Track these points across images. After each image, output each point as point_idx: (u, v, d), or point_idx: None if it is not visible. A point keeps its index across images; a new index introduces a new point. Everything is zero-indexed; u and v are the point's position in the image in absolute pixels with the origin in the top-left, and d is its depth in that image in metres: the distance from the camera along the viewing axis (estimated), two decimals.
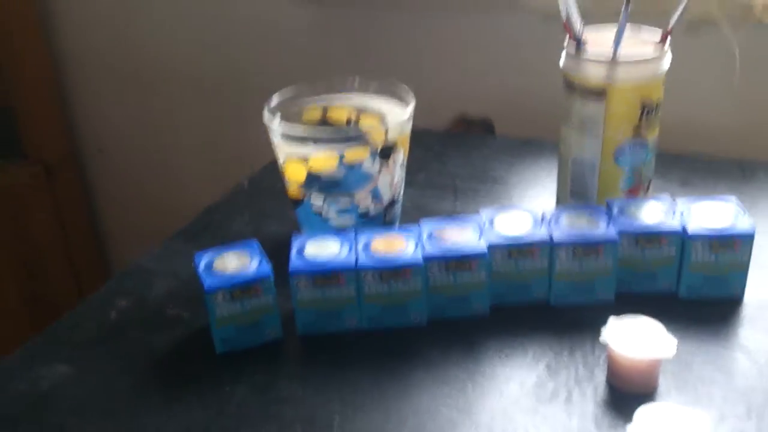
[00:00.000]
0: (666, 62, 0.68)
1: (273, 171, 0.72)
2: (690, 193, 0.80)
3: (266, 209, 0.82)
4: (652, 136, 0.70)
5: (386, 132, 0.67)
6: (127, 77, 1.49)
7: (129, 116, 1.53)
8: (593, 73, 0.68)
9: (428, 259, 0.61)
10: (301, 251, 0.62)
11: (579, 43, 0.69)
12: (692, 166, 0.87)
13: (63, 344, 0.63)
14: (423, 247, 0.62)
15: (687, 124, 1.11)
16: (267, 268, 0.59)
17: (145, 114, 1.52)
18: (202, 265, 0.59)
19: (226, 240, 0.75)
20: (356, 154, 0.67)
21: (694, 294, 0.64)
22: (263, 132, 0.70)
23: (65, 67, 1.53)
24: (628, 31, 0.69)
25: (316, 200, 0.69)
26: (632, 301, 0.63)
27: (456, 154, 0.94)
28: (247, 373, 0.58)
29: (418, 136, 0.98)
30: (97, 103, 1.55)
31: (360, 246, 0.62)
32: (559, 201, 0.76)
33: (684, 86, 1.08)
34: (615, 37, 0.67)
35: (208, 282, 0.57)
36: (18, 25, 1.39)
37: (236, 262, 0.60)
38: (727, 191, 0.80)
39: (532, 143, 0.95)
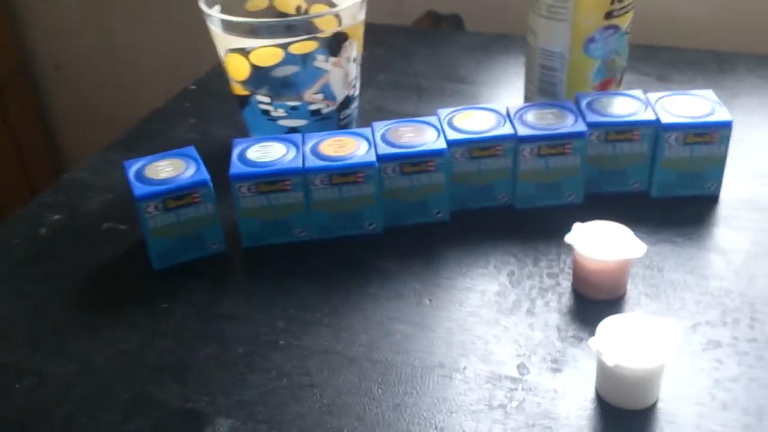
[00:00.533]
0: None
1: (224, 72, 0.66)
2: (666, 88, 0.75)
3: (214, 113, 0.76)
4: (625, 22, 0.65)
5: (337, 18, 0.61)
6: None
7: (83, 27, 1.44)
8: None
9: (382, 160, 0.56)
10: (242, 155, 0.56)
11: None
12: (668, 59, 0.81)
13: None
14: (376, 148, 0.57)
15: (662, 13, 1.04)
16: (204, 173, 0.54)
17: (100, 22, 1.43)
18: (132, 172, 0.54)
19: (167, 148, 0.70)
20: (303, 45, 0.61)
21: (666, 193, 0.60)
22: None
23: None
24: None
25: (262, 98, 0.64)
26: (601, 202, 0.59)
27: (421, 52, 0.87)
28: (186, 289, 0.54)
29: (381, 33, 0.91)
30: (50, 17, 1.46)
31: (307, 148, 0.57)
32: (527, 99, 0.71)
33: None
34: None
35: (138, 190, 0.52)
36: None
37: (170, 169, 0.54)
38: (705, 85, 0.75)
39: (503, 38, 0.89)
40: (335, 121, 0.66)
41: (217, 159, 0.58)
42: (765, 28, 1.02)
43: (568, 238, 0.50)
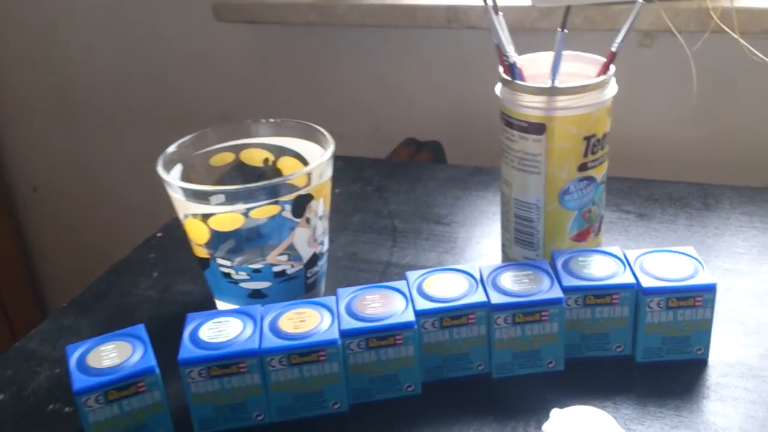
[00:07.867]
0: (611, 89, 0.60)
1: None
2: (647, 227, 0.73)
3: (179, 266, 0.73)
4: (600, 173, 0.62)
5: (308, 178, 0.59)
6: (58, 114, 1.40)
7: (61, 154, 1.44)
8: (530, 105, 0.60)
9: (346, 335, 0.52)
10: (195, 334, 0.53)
11: (512, 71, 0.61)
12: (650, 195, 0.79)
13: None
14: (340, 322, 0.53)
15: (643, 146, 1.03)
16: (150, 359, 0.50)
17: (77, 151, 1.42)
18: (73, 360, 0.50)
19: (125, 310, 0.67)
20: (264, 210, 0.58)
21: (652, 358, 0.56)
22: None
23: None
24: (570, 58, 0.62)
25: (223, 262, 0.61)
26: (584, 369, 0.56)
27: (398, 189, 0.85)
28: None
29: (359, 168, 0.89)
30: (28, 141, 1.45)
31: (266, 323, 0.53)
32: (504, 247, 0.68)
33: (637, 104, 1.01)
34: (552, 63, 0.60)
35: (77, 383, 0.48)
36: None
37: (114, 355, 0.50)
38: (688, 224, 0.73)
39: (482, 172, 0.87)
40: (302, 280, 0.63)
41: (175, 325, 0.54)
42: (748, 156, 1.01)
43: (547, 428, 0.46)
